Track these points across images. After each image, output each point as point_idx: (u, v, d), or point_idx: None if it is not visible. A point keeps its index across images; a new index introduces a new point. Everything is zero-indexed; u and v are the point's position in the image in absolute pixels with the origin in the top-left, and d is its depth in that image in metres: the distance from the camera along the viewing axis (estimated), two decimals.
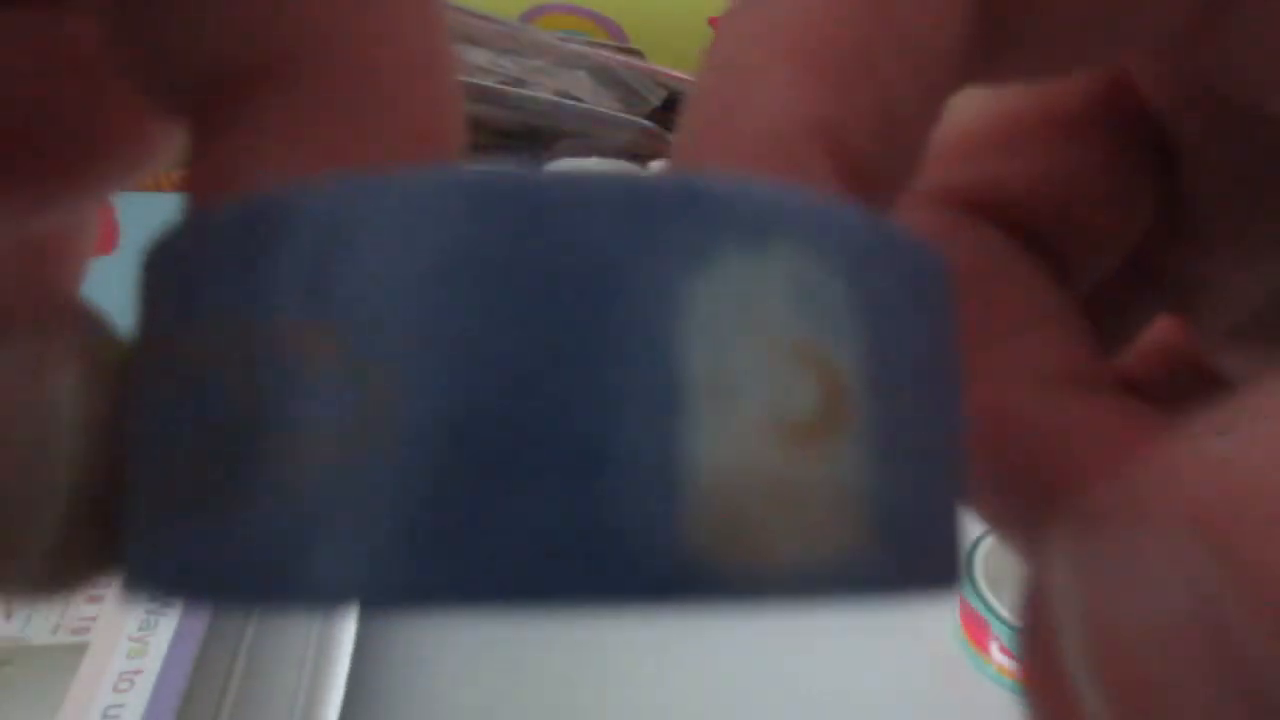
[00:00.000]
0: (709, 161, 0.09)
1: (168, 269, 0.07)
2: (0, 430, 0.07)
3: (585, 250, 0.06)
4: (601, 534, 0.06)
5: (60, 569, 0.07)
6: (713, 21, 0.71)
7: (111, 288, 0.11)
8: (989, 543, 0.40)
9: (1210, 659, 0.07)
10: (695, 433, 0.06)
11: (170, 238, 0.07)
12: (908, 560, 0.07)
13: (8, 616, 0.33)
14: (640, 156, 0.58)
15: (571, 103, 0.57)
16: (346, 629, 0.35)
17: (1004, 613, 0.37)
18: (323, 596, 0.06)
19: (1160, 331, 0.15)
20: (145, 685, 0.31)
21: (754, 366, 0.06)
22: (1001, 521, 0.11)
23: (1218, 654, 0.07)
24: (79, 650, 0.32)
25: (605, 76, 0.61)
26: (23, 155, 0.10)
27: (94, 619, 0.33)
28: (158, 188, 0.46)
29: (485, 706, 0.36)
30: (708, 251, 0.06)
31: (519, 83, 0.57)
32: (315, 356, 0.06)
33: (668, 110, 0.61)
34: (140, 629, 0.33)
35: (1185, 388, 0.15)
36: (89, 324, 0.08)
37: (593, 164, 0.56)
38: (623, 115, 0.58)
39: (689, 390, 0.06)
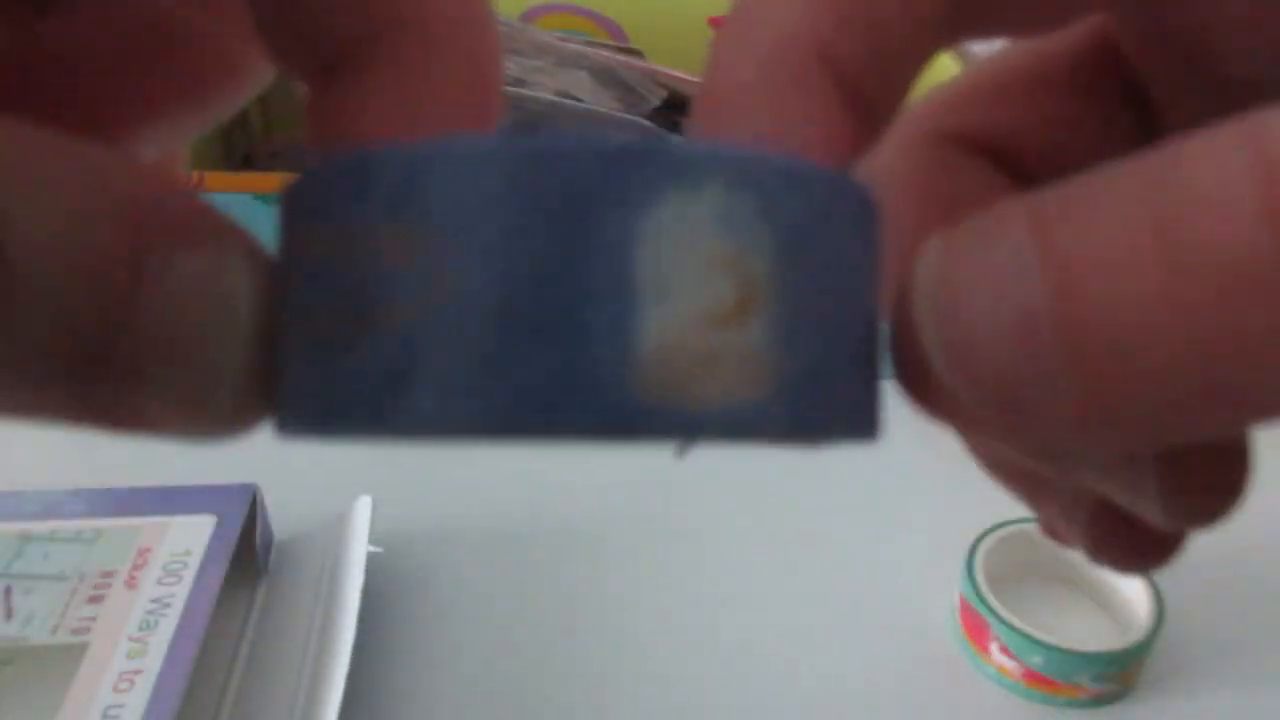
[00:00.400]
0: (726, 76, 0.11)
1: (301, 198, 0.10)
2: (198, 313, 0.10)
3: (576, 192, 0.09)
4: (585, 384, 0.09)
5: (240, 408, 0.10)
6: (713, 21, 0.71)
7: None
8: (989, 543, 0.40)
9: (1018, 333, 0.08)
10: (644, 318, 0.09)
11: (303, 176, 0.10)
12: (811, 414, 0.10)
13: (8, 616, 0.33)
14: None
15: (571, 103, 0.57)
16: (346, 629, 0.35)
17: (1004, 613, 0.37)
18: (408, 424, 0.09)
19: None
20: (145, 685, 0.31)
21: (686, 271, 0.09)
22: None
23: (1024, 330, 0.08)
24: (79, 650, 0.32)
25: (605, 76, 0.61)
26: (187, 75, 0.14)
27: (94, 619, 0.33)
28: None
29: (485, 707, 0.37)
30: (657, 192, 0.09)
31: (519, 83, 0.57)
32: (400, 256, 0.09)
33: (668, 110, 0.61)
34: (140, 629, 0.33)
35: None
36: (246, 232, 0.10)
37: None
38: (623, 115, 0.58)
39: (640, 290, 0.09)
